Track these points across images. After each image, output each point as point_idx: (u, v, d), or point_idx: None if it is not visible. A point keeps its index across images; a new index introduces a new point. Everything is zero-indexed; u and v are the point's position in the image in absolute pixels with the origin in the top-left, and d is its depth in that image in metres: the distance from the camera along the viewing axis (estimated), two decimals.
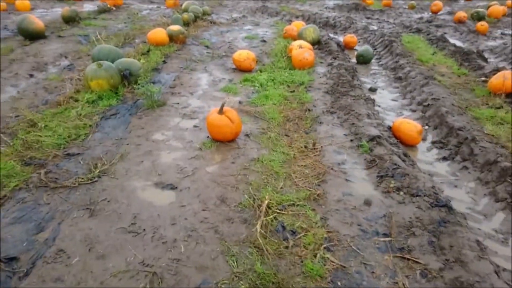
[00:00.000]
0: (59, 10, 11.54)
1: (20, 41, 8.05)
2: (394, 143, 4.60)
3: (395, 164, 3.96)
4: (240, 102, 5.57)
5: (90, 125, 4.62)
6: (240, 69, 7.01)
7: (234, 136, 4.42)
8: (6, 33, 8.71)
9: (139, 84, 5.30)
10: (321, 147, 4.45)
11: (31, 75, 6.30)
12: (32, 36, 8.10)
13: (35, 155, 3.85)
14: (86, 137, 4.35)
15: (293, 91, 6.19)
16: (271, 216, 3.16)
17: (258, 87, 6.24)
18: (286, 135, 4.73)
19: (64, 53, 7.55)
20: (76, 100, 5.25)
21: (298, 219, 3.18)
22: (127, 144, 4.28)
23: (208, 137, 4.50)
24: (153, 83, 6.11)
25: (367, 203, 3.46)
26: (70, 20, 10.09)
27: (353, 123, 5.02)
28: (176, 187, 3.55)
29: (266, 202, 3.27)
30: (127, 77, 5.68)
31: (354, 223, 3.21)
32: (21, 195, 3.25)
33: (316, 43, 9.07)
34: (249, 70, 7.01)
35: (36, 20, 8.23)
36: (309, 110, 5.48)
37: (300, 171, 3.93)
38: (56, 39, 8.50)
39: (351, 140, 4.64)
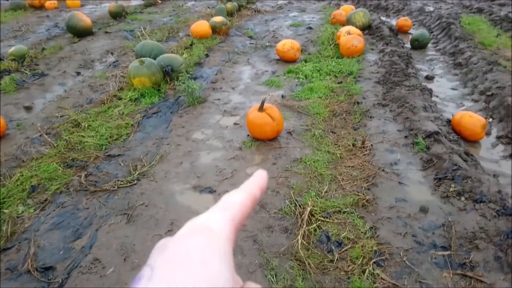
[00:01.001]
0: (107, 6, 11.85)
1: (69, 39, 8.33)
2: (454, 140, 4.16)
3: (456, 165, 3.57)
4: (282, 97, 5.35)
5: (132, 124, 4.62)
6: (284, 60, 6.75)
7: (275, 135, 4.22)
8: (56, 30, 9.08)
9: (180, 80, 5.24)
10: (371, 145, 4.13)
11: (78, 73, 6.47)
12: (80, 33, 8.36)
13: (77, 156, 3.90)
14: (128, 137, 4.36)
15: (341, 82, 5.85)
16: (314, 225, 2.95)
17: (303, 79, 5.97)
18: (332, 132, 4.46)
19: (110, 50, 7.71)
20: (120, 98, 5.30)
21: (345, 229, 2.94)
22: (167, 144, 4.23)
23: (248, 135, 4.34)
24: (195, 78, 6.04)
25: (423, 210, 3.14)
26: (117, 15, 10.31)
27: (407, 117, 4.62)
28: (215, 191, 3.44)
29: (309, 209, 3.05)
30: (169, 73, 5.64)
31: (408, 234, 2.91)
32: (61, 199, 3.28)
33: (367, 28, 8.56)
34: (293, 61, 6.74)
35: (84, 17, 8.47)
36: (358, 103, 5.14)
37: (347, 172, 3.66)
38: (103, 35, 8.71)
39: (405, 137, 4.27)
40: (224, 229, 0.42)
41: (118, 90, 5.49)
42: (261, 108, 4.13)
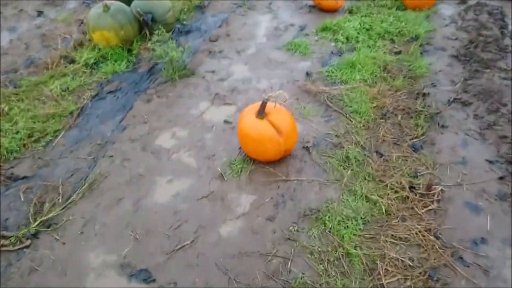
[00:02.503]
0: None
1: None
2: None
3: None
4: (307, 74, 3.61)
5: (70, 112, 3.13)
6: (320, 8, 4.84)
7: (281, 155, 2.63)
8: None
9: (157, 38, 3.56)
10: (441, 190, 2.47)
11: (41, 13, 4.88)
12: None
13: None
14: (55, 138, 2.89)
15: (399, 52, 3.99)
16: None
17: (343, 42, 4.14)
18: (377, 152, 2.79)
19: None
20: (72, 61, 3.76)
21: None
22: (110, 156, 2.74)
23: (240, 148, 2.76)
24: (188, 32, 4.35)
25: None
26: None
27: (504, 136, 2.86)
28: (154, 279, 1.98)
29: None
30: (148, 25, 3.97)
31: None
32: None
33: None
34: (333, 10, 4.82)
35: None
36: (423, 95, 3.35)
37: (395, 254, 2.09)
38: None
39: (500, 178, 2.56)
40: None
41: (74, 47, 3.91)
42: (261, 113, 2.51)
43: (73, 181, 2.55)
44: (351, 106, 3.19)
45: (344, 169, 2.64)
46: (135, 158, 2.73)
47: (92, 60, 3.71)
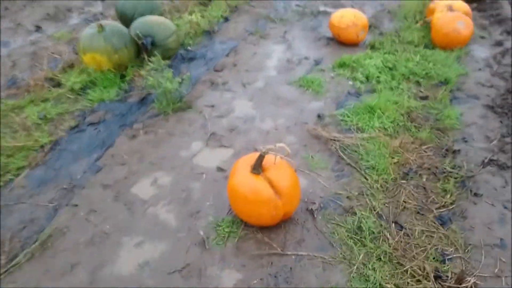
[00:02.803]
0: None
1: None
2: None
3: None
4: (319, 117, 3.17)
5: (41, 146, 2.73)
6: (339, 41, 4.43)
7: (278, 220, 2.16)
8: None
9: (151, 65, 3.16)
10: (474, 284, 1.96)
11: (38, 28, 4.59)
12: None
13: None
14: (16, 176, 2.48)
15: (426, 97, 3.52)
16: None
17: (362, 82, 3.70)
18: (396, 223, 2.30)
19: None
20: (57, 85, 3.40)
21: None
22: (75, 205, 2.31)
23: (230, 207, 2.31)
24: (192, 59, 3.96)
25: None
26: None
27: None
28: None
29: None
30: (147, 49, 3.60)
31: None
32: None
33: (476, 0, 5.83)
34: (353, 44, 4.40)
35: None
36: (453, 152, 2.86)
37: None
38: None
39: None
40: None
41: (63, 69, 3.55)
42: (257, 168, 2.06)
43: (24, 234, 2.12)
44: (367, 161, 2.71)
45: (355, 243, 2.15)
46: (104, 210, 2.29)
47: (79, 85, 3.34)
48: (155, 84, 3.03)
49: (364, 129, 3.04)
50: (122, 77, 3.51)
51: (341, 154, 2.78)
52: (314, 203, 2.39)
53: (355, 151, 2.81)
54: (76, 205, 2.31)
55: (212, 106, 3.29)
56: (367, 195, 2.47)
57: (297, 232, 2.22)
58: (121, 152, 2.72)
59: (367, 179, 2.58)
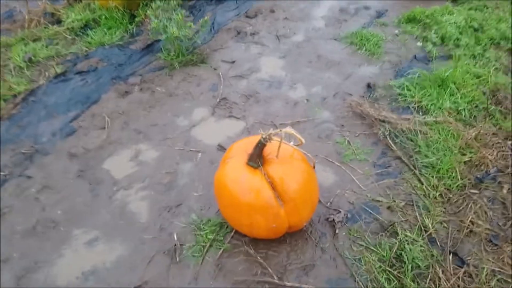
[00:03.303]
0: None
1: None
2: None
3: None
4: (368, 87, 2.41)
5: (15, 95, 2.24)
6: None
7: (280, 234, 1.53)
8: None
9: (156, 4, 2.52)
10: None
11: None
12: None
13: None
14: None
15: None
16: None
17: (435, 44, 2.83)
18: (455, 254, 1.58)
19: None
20: (57, 22, 2.87)
21: None
22: (29, 177, 1.82)
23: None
24: (220, 0, 3.25)
25: None
26: None
27: None
28: None
29: None
30: None
31: None
32: None
33: None
34: None
35: None
36: None
37: None
38: None
39: None
40: None
41: (68, 2, 3.01)
42: (254, 160, 1.41)
43: None
44: (426, 156, 1.96)
45: (389, 280, 1.48)
46: (61, 188, 1.78)
47: (80, 24, 2.79)
48: (160, 28, 2.40)
49: (428, 109, 2.24)
50: (132, 18, 2.91)
51: (390, 142, 2.04)
52: (339, 211, 1.72)
53: (411, 141, 2.05)
54: (30, 177, 1.82)
55: (232, 62, 2.62)
56: (418, 207, 1.75)
57: (306, 252, 1.58)
58: (105, 112, 2.17)
59: (422, 183, 1.84)
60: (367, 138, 2.10)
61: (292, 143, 1.49)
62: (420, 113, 2.22)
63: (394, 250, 1.58)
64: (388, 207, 1.75)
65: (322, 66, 2.61)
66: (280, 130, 1.36)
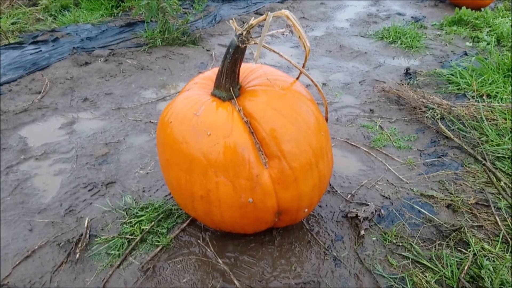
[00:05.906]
0: None
1: None
2: None
3: None
4: (407, 73, 1.82)
5: None
6: (456, 3, 2.99)
7: (263, 220, 0.86)
8: None
9: None
10: None
11: None
12: None
13: None
14: None
15: None
16: None
17: (488, 43, 2.26)
18: None
19: None
20: (33, 5, 2.50)
21: None
22: None
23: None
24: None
25: None
26: None
27: None
28: None
29: None
30: None
31: None
32: None
33: None
34: (477, 7, 2.92)
35: None
36: None
37: None
38: None
39: None
40: None
41: None
42: (224, 85, 0.82)
43: None
44: (497, 144, 1.30)
45: None
46: None
47: (57, 5, 2.40)
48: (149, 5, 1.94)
49: (493, 96, 1.62)
50: (120, 2, 2.51)
51: (444, 129, 1.40)
52: (367, 204, 1.05)
53: (472, 128, 1.41)
54: None
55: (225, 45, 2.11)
56: (499, 209, 1.07)
57: (306, 261, 0.91)
58: (48, 78, 1.65)
59: (498, 180, 1.17)
60: (407, 124, 1.48)
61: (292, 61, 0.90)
62: (478, 100, 1.60)
63: (465, 269, 0.88)
64: (449, 205, 1.08)
65: (345, 55, 2.08)
66: (267, 14, 0.78)
